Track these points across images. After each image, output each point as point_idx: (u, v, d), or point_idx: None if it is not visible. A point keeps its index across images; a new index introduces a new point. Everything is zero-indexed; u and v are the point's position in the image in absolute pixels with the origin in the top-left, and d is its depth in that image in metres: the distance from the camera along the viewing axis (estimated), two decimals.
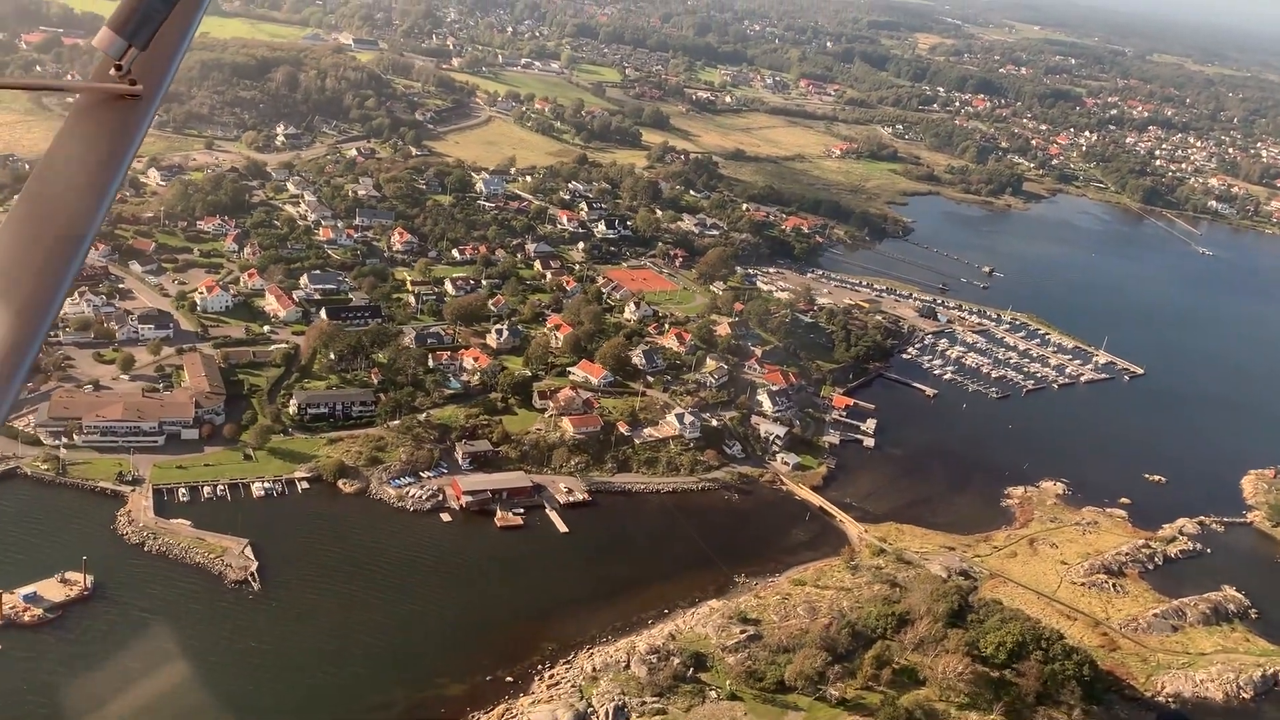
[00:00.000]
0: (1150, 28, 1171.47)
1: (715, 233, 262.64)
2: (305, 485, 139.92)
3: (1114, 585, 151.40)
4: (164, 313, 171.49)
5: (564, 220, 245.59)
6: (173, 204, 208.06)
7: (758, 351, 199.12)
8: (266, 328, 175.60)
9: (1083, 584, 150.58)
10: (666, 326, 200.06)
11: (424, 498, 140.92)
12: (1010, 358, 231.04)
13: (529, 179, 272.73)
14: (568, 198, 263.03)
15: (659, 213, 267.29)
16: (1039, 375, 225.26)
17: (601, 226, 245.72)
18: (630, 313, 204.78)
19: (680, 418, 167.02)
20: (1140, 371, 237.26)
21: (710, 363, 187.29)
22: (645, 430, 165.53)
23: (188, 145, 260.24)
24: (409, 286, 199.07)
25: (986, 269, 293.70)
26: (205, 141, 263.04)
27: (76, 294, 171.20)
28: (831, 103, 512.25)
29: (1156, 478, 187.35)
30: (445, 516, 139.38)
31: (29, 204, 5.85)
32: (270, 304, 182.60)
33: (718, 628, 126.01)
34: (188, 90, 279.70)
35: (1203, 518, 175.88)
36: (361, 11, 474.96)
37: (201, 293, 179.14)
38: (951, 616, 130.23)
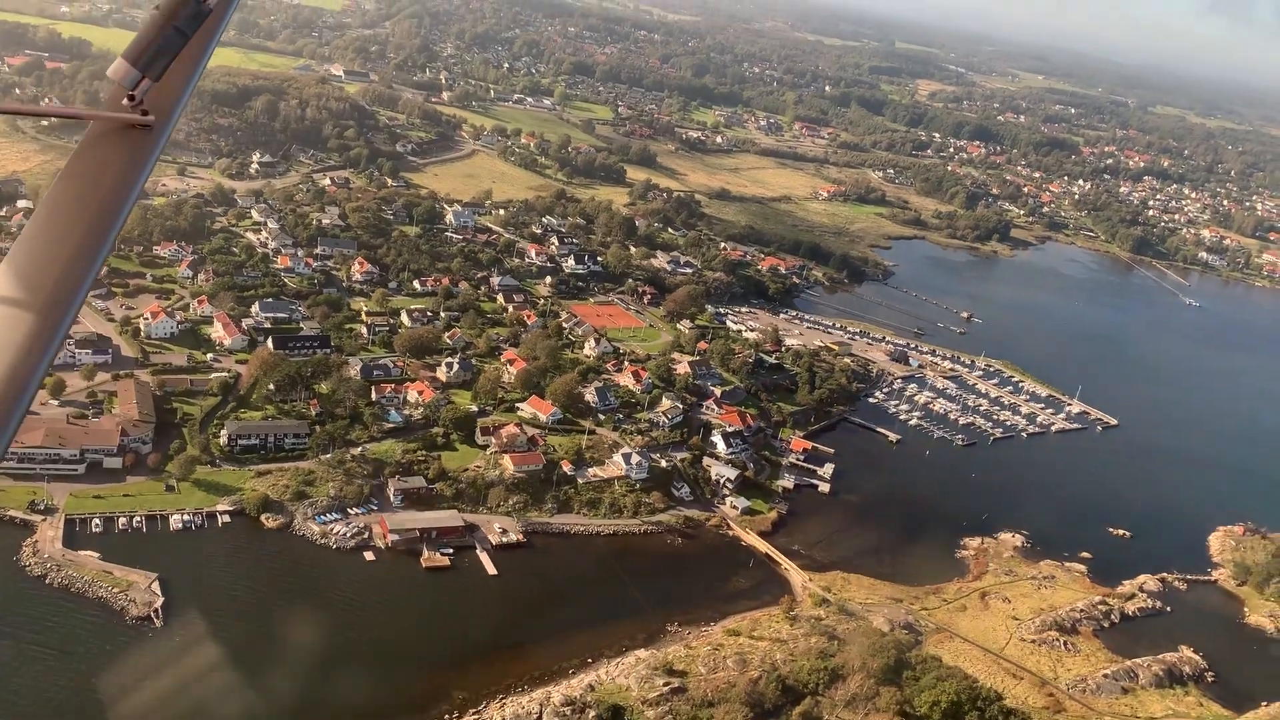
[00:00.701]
0: (1158, 80, 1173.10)
1: (688, 270, 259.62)
2: (226, 519, 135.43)
3: (1066, 643, 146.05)
4: (104, 337, 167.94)
5: (533, 254, 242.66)
6: (130, 228, 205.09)
7: (717, 391, 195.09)
8: (210, 356, 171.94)
9: (1033, 641, 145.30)
10: (625, 364, 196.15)
11: (348, 535, 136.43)
12: (980, 405, 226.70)
13: (502, 212, 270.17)
14: (540, 232, 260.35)
15: (632, 249, 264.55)
16: (1008, 423, 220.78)
17: (571, 261, 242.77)
18: (590, 349, 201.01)
19: (627, 458, 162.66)
20: (1114, 423, 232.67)
21: (666, 402, 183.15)
22: (590, 470, 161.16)
23: (159, 171, 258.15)
24: (364, 317, 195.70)
25: (965, 314, 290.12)
26: (178, 168, 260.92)
27: None
28: (824, 145, 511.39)
29: (1120, 532, 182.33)
30: (369, 555, 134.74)
31: (40, 228, 5.93)
32: (217, 331, 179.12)
33: (641, 679, 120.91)
34: None
35: (1165, 575, 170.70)
36: (356, 44, 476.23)
37: (146, 318, 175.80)
38: (887, 673, 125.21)
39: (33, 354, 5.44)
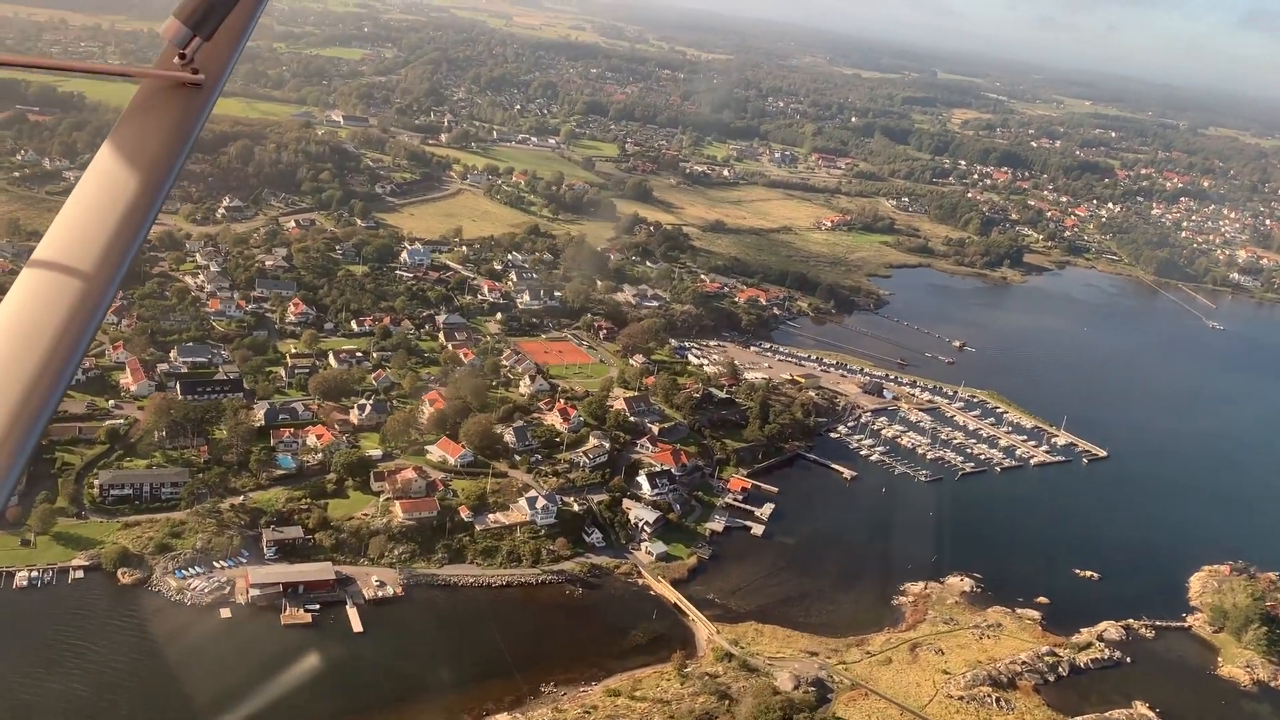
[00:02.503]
0: (1213, 102, 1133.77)
1: (655, 304, 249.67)
2: (79, 575, 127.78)
3: (999, 700, 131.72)
4: None
5: (486, 291, 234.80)
6: None
7: (655, 429, 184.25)
8: (111, 403, 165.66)
9: (960, 698, 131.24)
10: (558, 401, 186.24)
11: (206, 591, 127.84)
12: (954, 438, 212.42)
13: (465, 249, 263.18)
14: (500, 268, 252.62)
15: (599, 283, 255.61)
16: (982, 457, 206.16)
17: (526, 297, 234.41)
18: (525, 387, 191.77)
19: (532, 501, 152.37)
20: (1102, 454, 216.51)
21: (591, 441, 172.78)
22: (490, 516, 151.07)
23: None
24: (287, 359, 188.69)
25: (957, 344, 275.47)
26: None
27: None
28: (839, 176, 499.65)
29: (1088, 574, 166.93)
30: (225, 612, 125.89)
31: (92, 186, 5.94)
32: (127, 377, 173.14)
33: None
34: None
35: (1131, 621, 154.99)
36: (361, 90, 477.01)
37: None
38: None
39: (82, 315, 5.22)
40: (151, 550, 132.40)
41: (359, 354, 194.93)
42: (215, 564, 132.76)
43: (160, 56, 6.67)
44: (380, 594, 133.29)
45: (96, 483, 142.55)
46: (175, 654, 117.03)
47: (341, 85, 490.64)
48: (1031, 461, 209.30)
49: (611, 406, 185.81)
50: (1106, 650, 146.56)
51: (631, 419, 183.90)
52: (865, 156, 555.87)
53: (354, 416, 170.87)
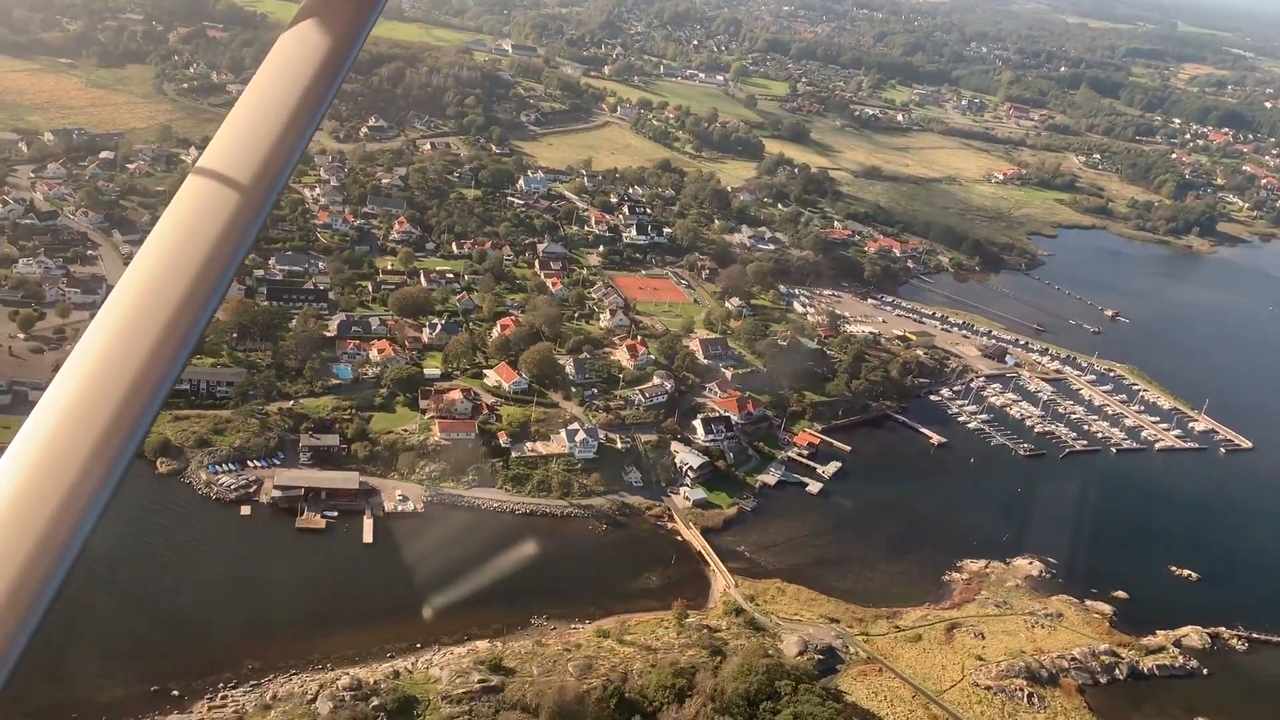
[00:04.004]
0: None
1: (770, 247, 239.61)
2: None
3: (1032, 696, 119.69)
4: (100, 279, 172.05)
5: (593, 222, 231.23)
6: (176, 181, 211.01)
7: (728, 374, 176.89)
8: None
9: (988, 688, 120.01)
10: (632, 337, 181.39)
11: (232, 487, 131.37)
12: (1073, 412, 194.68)
13: (584, 180, 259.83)
14: (614, 201, 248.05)
15: (716, 222, 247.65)
16: (1099, 435, 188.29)
17: (633, 231, 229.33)
18: (605, 321, 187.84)
19: (571, 434, 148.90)
20: (1245, 445, 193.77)
21: (654, 379, 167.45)
22: (529, 445, 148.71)
23: None
24: (379, 275, 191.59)
25: (1109, 312, 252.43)
26: None
27: (31, 256, 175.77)
28: (1029, 127, 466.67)
29: (1185, 573, 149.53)
30: (245, 510, 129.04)
31: (265, 82, 5.95)
32: None
33: (458, 672, 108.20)
34: None
35: (1222, 629, 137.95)
36: (535, 20, 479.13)
37: None
38: (748, 702, 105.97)
39: (243, 220, 5.16)
40: (191, 444, 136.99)
41: (449, 275, 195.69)
42: (249, 463, 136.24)
43: None
44: (400, 508, 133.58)
45: None
46: (180, 540, 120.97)
47: (520, 14, 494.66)
48: (1156, 445, 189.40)
49: (686, 347, 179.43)
50: (1180, 657, 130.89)
51: (704, 361, 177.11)
52: (1064, 109, 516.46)
53: (425, 335, 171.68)
